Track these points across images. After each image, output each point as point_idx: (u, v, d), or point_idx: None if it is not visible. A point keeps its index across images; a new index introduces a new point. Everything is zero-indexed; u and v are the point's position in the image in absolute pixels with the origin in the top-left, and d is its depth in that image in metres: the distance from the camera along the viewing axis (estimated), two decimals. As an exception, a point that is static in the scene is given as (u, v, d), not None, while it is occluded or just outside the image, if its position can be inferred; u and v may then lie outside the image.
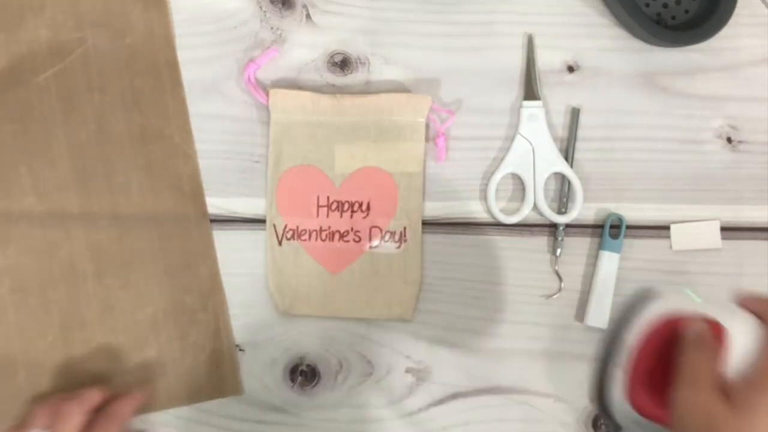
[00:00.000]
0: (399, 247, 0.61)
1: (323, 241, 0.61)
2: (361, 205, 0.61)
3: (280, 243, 0.61)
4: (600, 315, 0.62)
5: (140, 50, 0.61)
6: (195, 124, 0.61)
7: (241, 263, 0.62)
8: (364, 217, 0.61)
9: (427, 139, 0.62)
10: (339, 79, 0.62)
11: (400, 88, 0.62)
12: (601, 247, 0.62)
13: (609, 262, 0.62)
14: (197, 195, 0.61)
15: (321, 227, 0.61)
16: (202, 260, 0.61)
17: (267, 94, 0.60)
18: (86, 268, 0.61)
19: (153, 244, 0.61)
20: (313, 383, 0.62)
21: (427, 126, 0.61)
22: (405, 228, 0.61)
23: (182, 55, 0.62)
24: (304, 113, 0.60)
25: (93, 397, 0.57)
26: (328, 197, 0.61)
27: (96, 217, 0.61)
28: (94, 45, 0.61)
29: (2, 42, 0.60)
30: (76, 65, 0.61)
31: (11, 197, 0.61)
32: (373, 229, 0.61)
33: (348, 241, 0.61)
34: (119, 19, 0.61)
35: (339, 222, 0.61)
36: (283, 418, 0.62)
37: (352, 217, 0.61)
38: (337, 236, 0.61)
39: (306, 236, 0.61)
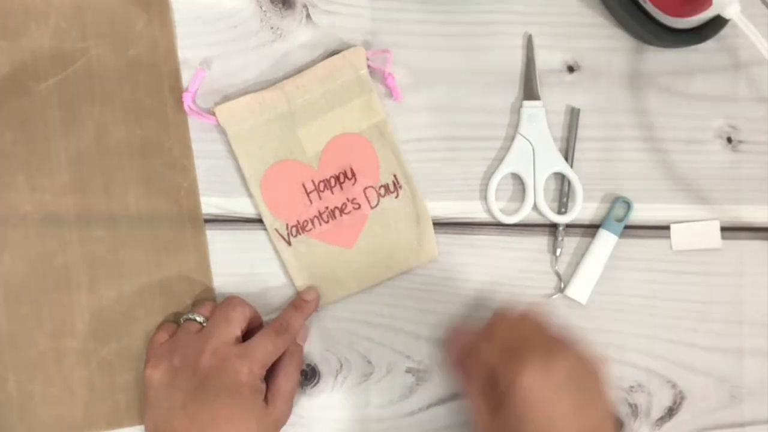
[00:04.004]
0: (397, 195, 0.61)
1: (327, 222, 0.61)
2: (345, 173, 0.61)
3: (289, 243, 0.61)
4: (581, 290, 0.62)
5: (143, 62, 0.61)
6: (193, 123, 0.61)
7: (241, 263, 0.62)
8: (353, 184, 0.61)
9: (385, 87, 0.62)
10: (339, 79, 0.62)
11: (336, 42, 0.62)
12: (602, 225, 0.62)
13: (606, 242, 0.62)
14: (194, 209, 0.61)
15: (319, 211, 0.61)
16: (196, 275, 0.61)
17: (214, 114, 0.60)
18: (80, 278, 0.60)
19: (148, 256, 0.61)
20: (313, 383, 0.62)
21: (372, 72, 0.61)
22: (395, 175, 0.61)
23: (182, 55, 0.61)
24: (255, 115, 0.60)
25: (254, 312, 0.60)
26: (312, 181, 0.61)
27: (92, 227, 0.61)
28: (97, 55, 0.61)
29: (5, 49, 0.60)
30: (78, 75, 0.61)
31: (8, 205, 0.60)
32: (367, 191, 0.61)
33: (350, 212, 0.61)
34: (123, 30, 0.61)
35: (333, 198, 0.61)
36: (283, 418, 0.62)
37: (342, 188, 0.61)
38: (337, 212, 0.61)
39: (309, 226, 0.61)
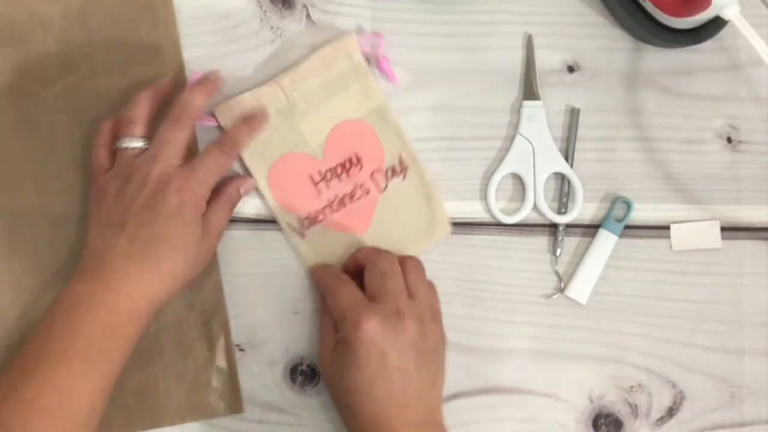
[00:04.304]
0: (404, 176, 0.62)
1: (337, 211, 0.61)
2: (350, 160, 0.61)
3: (302, 236, 0.61)
4: (582, 290, 0.62)
5: (149, 67, 0.61)
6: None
7: (243, 263, 0.62)
8: (360, 170, 0.61)
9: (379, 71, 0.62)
10: (339, 79, 0.62)
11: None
12: (602, 225, 0.62)
13: (605, 242, 0.62)
14: None
15: (329, 200, 0.61)
16: (206, 278, 0.61)
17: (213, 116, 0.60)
18: None
19: None
20: (313, 383, 0.62)
21: (368, 59, 0.61)
22: (400, 156, 0.61)
23: (183, 54, 0.62)
24: (254, 111, 0.60)
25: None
26: (319, 171, 0.61)
27: None
28: (102, 60, 0.61)
29: (11, 56, 0.60)
30: (84, 80, 0.61)
31: (16, 210, 0.60)
32: (374, 175, 0.62)
33: (359, 198, 0.62)
34: (128, 35, 0.61)
35: (341, 186, 0.61)
36: (283, 418, 0.62)
37: (349, 175, 0.61)
38: (347, 200, 0.61)
39: (321, 216, 0.61)
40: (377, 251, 0.60)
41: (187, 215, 0.54)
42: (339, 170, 0.61)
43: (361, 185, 0.62)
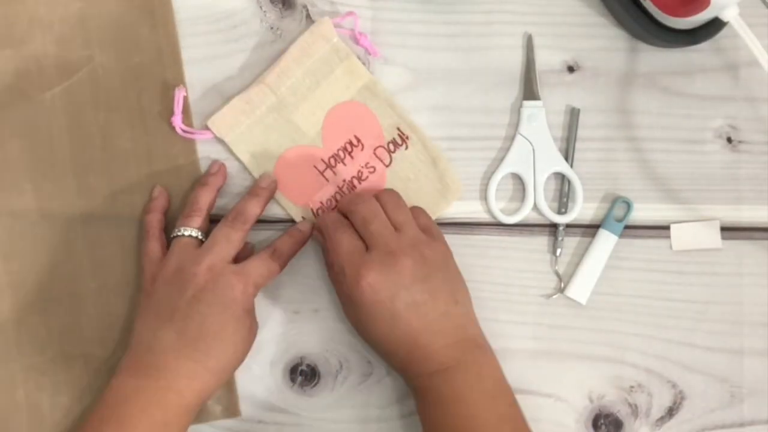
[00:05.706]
0: (407, 147, 0.62)
1: (348, 194, 0.62)
2: (351, 142, 0.62)
3: None
4: (581, 290, 0.62)
5: (147, 69, 0.61)
6: (195, 124, 0.61)
7: (241, 263, 0.62)
8: (362, 149, 0.62)
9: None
10: (339, 79, 0.62)
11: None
12: (602, 225, 0.62)
13: (605, 242, 0.62)
14: None
15: (338, 186, 0.62)
16: None
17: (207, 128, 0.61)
18: (88, 285, 0.60)
19: None
20: (313, 383, 0.62)
21: (345, 39, 0.61)
22: (398, 128, 0.62)
23: (182, 56, 0.61)
24: (247, 114, 0.60)
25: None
26: (322, 160, 0.61)
27: (100, 234, 0.61)
28: (101, 63, 0.61)
29: (10, 57, 0.60)
30: (83, 83, 0.61)
31: (15, 213, 0.60)
32: (376, 151, 0.62)
33: (367, 178, 0.62)
34: (127, 37, 0.61)
35: (347, 170, 0.62)
36: (283, 418, 0.62)
37: (352, 157, 0.62)
38: (356, 182, 0.62)
39: (334, 203, 0.62)
40: (353, 199, 0.59)
41: (238, 311, 0.55)
42: (342, 154, 0.61)
43: (366, 164, 0.62)
